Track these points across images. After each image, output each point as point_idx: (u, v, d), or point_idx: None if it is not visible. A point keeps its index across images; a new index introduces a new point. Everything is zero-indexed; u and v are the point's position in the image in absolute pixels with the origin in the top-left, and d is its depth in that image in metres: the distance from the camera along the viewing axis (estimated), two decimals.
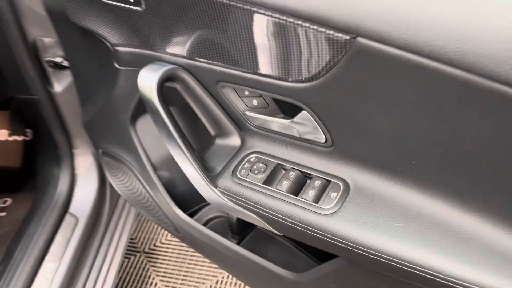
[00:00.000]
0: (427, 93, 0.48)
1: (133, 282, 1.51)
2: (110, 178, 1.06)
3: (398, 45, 0.45)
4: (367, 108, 0.54)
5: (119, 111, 0.83)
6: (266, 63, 0.58)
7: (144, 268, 1.55)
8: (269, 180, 0.67)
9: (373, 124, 0.56)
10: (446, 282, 0.53)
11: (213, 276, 1.50)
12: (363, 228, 0.59)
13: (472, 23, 0.42)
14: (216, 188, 0.70)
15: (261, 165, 0.69)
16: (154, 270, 1.54)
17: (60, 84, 1.08)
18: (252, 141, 0.72)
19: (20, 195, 1.36)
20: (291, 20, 0.51)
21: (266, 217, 0.67)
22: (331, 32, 0.49)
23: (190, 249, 1.58)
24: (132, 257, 1.58)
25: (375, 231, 0.58)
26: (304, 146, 0.66)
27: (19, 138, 1.40)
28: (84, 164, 1.26)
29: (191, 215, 0.97)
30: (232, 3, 0.54)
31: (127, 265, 1.56)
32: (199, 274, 1.51)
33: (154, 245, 1.62)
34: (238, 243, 0.92)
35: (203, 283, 1.48)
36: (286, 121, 0.65)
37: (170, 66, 0.66)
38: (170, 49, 0.66)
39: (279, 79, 0.59)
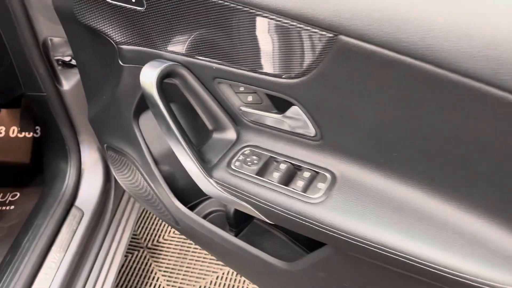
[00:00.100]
0: (403, 88, 0.51)
1: (136, 276, 1.55)
2: (114, 172, 1.11)
3: (376, 42, 0.49)
4: (352, 103, 0.58)
5: (123, 107, 0.88)
6: (258, 61, 0.62)
7: (147, 263, 1.59)
8: (262, 172, 0.71)
9: (357, 118, 0.59)
10: (426, 268, 0.57)
11: (213, 272, 1.54)
12: (348, 217, 0.62)
13: (441, 22, 0.45)
14: (211, 178, 0.73)
15: (254, 157, 0.72)
16: (157, 265, 1.58)
17: (68, 82, 1.13)
18: (247, 135, 0.76)
19: (28, 189, 1.41)
20: (280, 19, 0.55)
21: (258, 206, 0.70)
22: (316, 30, 0.53)
23: (192, 246, 1.62)
24: (136, 252, 1.62)
25: (359, 220, 0.62)
26: (295, 139, 0.70)
27: (28, 134, 1.46)
28: (91, 160, 1.31)
29: (191, 208, 1.01)
30: (226, 3, 0.58)
31: (130, 260, 1.60)
32: (200, 269, 1.55)
33: (157, 241, 1.66)
34: (235, 236, 0.96)
35: (203, 279, 1.52)
36: (278, 116, 0.69)
37: (169, 63, 0.70)
38: (170, 47, 0.70)
39: (271, 75, 0.62)
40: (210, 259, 1.58)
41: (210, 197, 1.08)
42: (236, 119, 0.76)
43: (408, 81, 0.50)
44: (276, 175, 0.69)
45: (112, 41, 0.76)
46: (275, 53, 0.60)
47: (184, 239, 1.65)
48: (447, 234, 0.57)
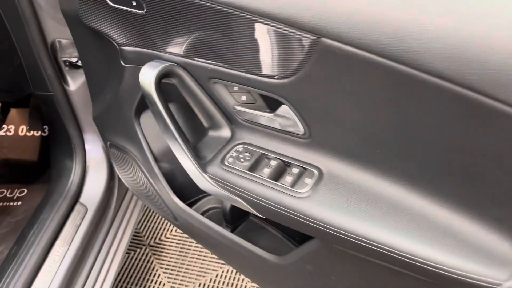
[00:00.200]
0: (381, 88, 0.55)
1: (138, 273, 1.59)
2: (116, 169, 1.15)
3: (355, 44, 0.53)
4: (336, 102, 0.62)
5: (124, 106, 0.92)
6: (250, 62, 0.66)
7: (148, 261, 1.63)
8: (253, 167, 0.74)
9: (341, 117, 0.63)
10: (404, 259, 0.60)
11: (213, 270, 1.58)
12: (332, 210, 0.65)
13: (414, 26, 0.49)
14: (206, 174, 0.77)
15: (247, 154, 0.76)
16: (158, 263, 1.62)
17: (75, 82, 1.18)
18: (241, 133, 0.80)
19: (35, 186, 1.46)
20: (268, 22, 0.59)
21: (249, 200, 0.74)
22: (301, 33, 0.57)
23: (193, 244, 1.66)
24: (138, 250, 1.66)
25: (343, 213, 0.65)
26: (286, 137, 0.73)
27: (36, 133, 1.50)
28: (95, 158, 1.35)
29: (190, 205, 1.05)
30: (218, 7, 0.62)
31: (133, 257, 1.64)
32: (200, 267, 1.59)
33: (159, 239, 1.70)
34: (231, 232, 1.00)
35: (203, 276, 1.56)
36: (269, 115, 0.73)
37: (167, 64, 0.74)
38: (168, 49, 0.74)
39: (262, 76, 0.66)
40: (210, 257, 1.61)
41: (208, 195, 1.12)
42: (230, 118, 0.80)
43: (386, 81, 0.53)
44: (266, 171, 0.72)
45: (114, 43, 0.80)
46: (265, 55, 0.63)
47: (186, 238, 1.69)
48: (423, 227, 0.60)
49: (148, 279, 1.57)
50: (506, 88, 0.45)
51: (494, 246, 0.56)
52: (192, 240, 1.67)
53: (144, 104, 0.89)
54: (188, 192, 1.06)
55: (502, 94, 0.45)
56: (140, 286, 1.55)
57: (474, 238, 0.56)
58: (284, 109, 0.69)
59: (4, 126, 1.49)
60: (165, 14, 0.69)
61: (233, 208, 1.01)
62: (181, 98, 0.80)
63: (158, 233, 1.72)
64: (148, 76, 0.73)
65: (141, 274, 1.59)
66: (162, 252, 1.65)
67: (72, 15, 0.85)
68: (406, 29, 0.49)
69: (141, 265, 1.62)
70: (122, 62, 0.82)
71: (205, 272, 1.57)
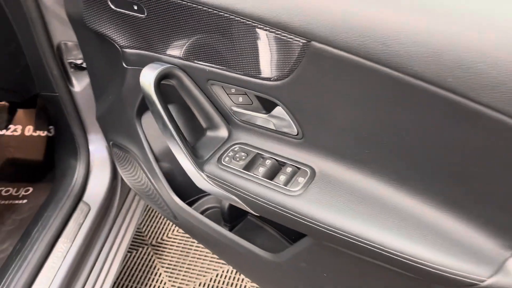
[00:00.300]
0: (368, 90, 0.57)
1: (139, 272, 1.62)
2: (119, 168, 1.18)
3: (343, 48, 0.55)
4: (326, 103, 0.64)
5: (126, 106, 0.94)
6: (246, 64, 0.68)
7: (150, 260, 1.65)
8: (248, 167, 0.77)
9: (332, 118, 0.65)
10: (390, 255, 0.62)
11: (214, 269, 1.60)
12: (324, 208, 0.68)
13: (396, 31, 0.51)
14: (203, 172, 0.80)
15: (243, 153, 0.78)
16: (160, 262, 1.64)
17: (80, 83, 1.21)
18: (237, 133, 0.82)
19: (40, 185, 1.49)
20: (261, 26, 0.61)
21: (244, 198, 0.76)
22: (292, 36, 0.59)
23: (194, 244, 1.68)
24: (140, 249, 1.69)
25: (334, 211, 0.67)
26: (280, 138, 0.76)
27: (42, 133, 1.54)
28: (99, 158, 1.38)
29: (190, 204, 1.07)
30: (215, 11, 0.65)
31: (135, 256, 1.67)
32: (201, 267, 1.61)
33: (161, 239, 1.72)
34: (229, 231, 1.02)
35: (204, 276, 1.58)
36: (265, 116, 0.75)
37: (167, 66, 0.76)
38: (168, 51, 0.77)
39: (257, 78, 0.68)
40: (211, 257, 1.64)
41: (207, 194, 1.15)
42: (228, 119, 0.82)
43: (373, 84, 0.55)
44: (261, 170, 0.75)
45: (116, 45, 0.83)
46: (260, 58, 0.66)
47: (187, 238, 1.71)
48: (412, 225, 0.62)
49: (149, 278, 1.59)
50: (481, 89, 0.47)
51: (479, 244, 0.58)
52: (193, 240, 1.70)
53: (145, 105, 0.92)
54: (188, 191, 1.08)
55: (478, 95, 0.47)
56: (141, 285, 1.58)
57: (460, 236, 0.58)
58: (278, 110, 0.71)
59: (11, 126, 1.53)
60: (165, 18, 0.72)
61: (231, 207, 1.03)
62: (180, 99, 0.83)
63: (160, 233, 1.75)
64: (148, 77, 0.76)
65: (143, 272, 1.61)
66: (164, 251, 1.68)
67: (76, 18, 0.88)
68: (390, 34, 0.51)
69: (143, 264, 1.64)
70: (124, 64, 0.85)
71: (205, 272, 1.59)
